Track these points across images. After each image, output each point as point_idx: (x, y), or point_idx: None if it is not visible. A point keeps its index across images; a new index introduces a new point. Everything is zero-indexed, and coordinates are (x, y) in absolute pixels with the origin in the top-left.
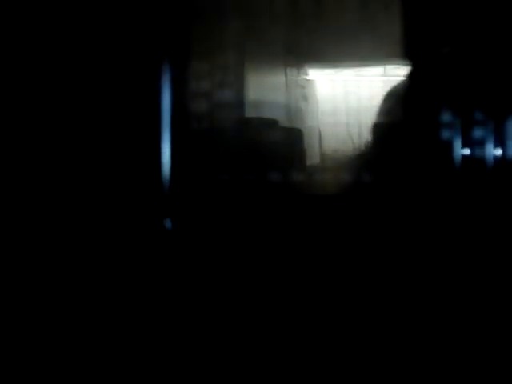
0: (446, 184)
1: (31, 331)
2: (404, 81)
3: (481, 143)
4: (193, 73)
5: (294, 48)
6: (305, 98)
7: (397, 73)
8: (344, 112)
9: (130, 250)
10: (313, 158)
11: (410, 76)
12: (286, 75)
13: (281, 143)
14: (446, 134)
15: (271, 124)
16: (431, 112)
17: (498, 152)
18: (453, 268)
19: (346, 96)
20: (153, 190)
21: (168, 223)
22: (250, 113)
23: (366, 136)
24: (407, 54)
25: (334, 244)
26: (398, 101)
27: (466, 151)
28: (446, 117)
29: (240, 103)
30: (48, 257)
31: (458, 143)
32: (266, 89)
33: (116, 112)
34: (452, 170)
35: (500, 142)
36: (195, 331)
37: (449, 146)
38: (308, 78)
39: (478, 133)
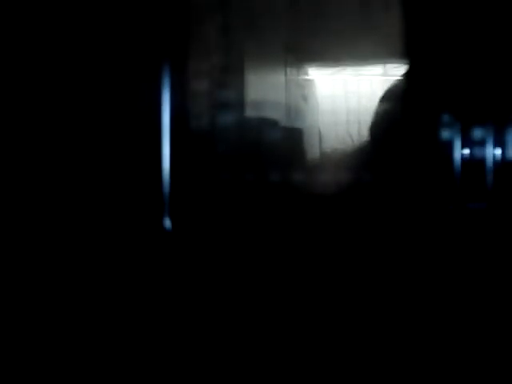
0: (446, 184)
1: (28, 332)
2: (404, 80)
3: (481, 143)
4: (193, 73)
5: (294, 47)
6: (305, 97)
7: (397, 72)
8: (344, 111)
9: (129, 250)
10: (313, 157)
11: (411, 75)
12: (285, 75)
13: (281, 143)
14: (446, 134)
15: (271, 124)
16: (431, 112)
17: (498, 152)
18: (454, 268)
19: (346, 95)
20: (152, 189)
21: (168, 223)
22: (250, 113)
23: (366, 135)
24: (408, 53)
25: (335, 243)
26: (398, 100)
27: (466, 151)
28: (446, 117)
29: (240, 103)
30: (47, 257)
31: (458, 143)
32: (265, 88)
33: (115, 111)
34: (452, 170)
35: (500, 143)
36: (196, 333)
37: (449, 146)
38: (308, 77)
39: (478, 133)
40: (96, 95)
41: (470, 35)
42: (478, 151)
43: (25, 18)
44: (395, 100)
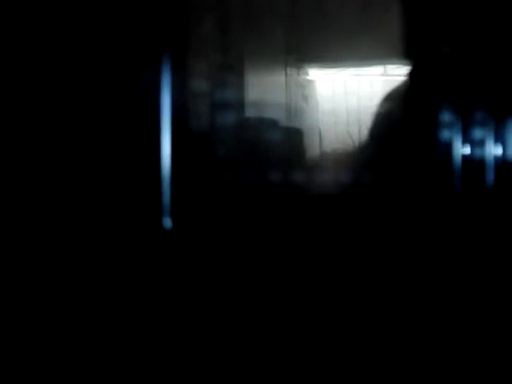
0: (446, 184)
1: (27, 331)
2: (404, 80)
3: (481, 143)
4: (192, 72)
5: (294, 47)
6: (305, 97)
7: (397, 72)
8: (344, 111)
9: (129, 250)
10: (313, 157)
11: (411, 75)
12: (285, 75)
13: (281, 143)
14: (446, 133)
15: (271, 124)
16: (431, 111)
17: (498, 152)
18: (454, 268)
19: (346, 95)
20: (152, 189)
21: (168, 223)
22: (249, 113)
23: (367, 135)
24: (408, 53)
25: (335, 243)
26: (398, 100)
27: (466, 151)
28: (447, 116)
29: (240, 103)
30: (46, 256)
31: (458, 143)
32: (265, 88)
33: (114, 111)
34: (452, 169)
35: (501, 142)
36: (196, 332)
37: (449, 145)
38: (308, 77)
39: (478, 133)
40: (95, 95)
41: (469, 34)
42: (478, 150)
43: (25, 13)
44: (395, 100)
